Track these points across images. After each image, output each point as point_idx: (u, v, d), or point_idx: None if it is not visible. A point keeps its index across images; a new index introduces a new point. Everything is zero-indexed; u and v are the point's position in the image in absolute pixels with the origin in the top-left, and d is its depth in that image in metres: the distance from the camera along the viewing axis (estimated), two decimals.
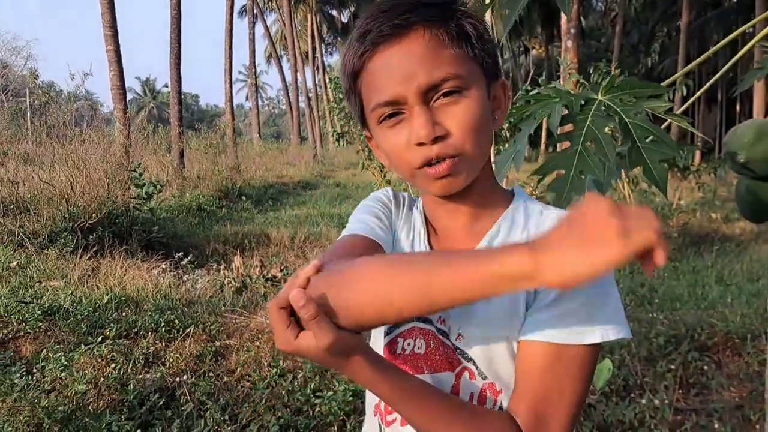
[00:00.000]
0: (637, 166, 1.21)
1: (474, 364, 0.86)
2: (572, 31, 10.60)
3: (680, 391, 3.71)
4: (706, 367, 3.97)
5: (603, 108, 1.23)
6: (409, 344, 0.91)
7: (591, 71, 11.51)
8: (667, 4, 30.74)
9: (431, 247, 0.95)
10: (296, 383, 3.56)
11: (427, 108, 0.80)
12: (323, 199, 13.98)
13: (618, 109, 1.21)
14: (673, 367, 3.91)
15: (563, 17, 12.43)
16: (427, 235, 0.97)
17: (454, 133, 0.81)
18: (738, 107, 30.24)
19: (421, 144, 0.81)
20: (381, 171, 10.68)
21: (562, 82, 10.33)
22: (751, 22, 1.74)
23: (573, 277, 0.59)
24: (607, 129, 1.14)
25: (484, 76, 0.85)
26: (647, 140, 1.19)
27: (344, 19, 45.69)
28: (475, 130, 0.82)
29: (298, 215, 11.19)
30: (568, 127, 1.23)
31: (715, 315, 4.81)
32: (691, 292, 5.94)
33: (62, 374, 3.46)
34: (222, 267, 6.37)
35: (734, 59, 1.83)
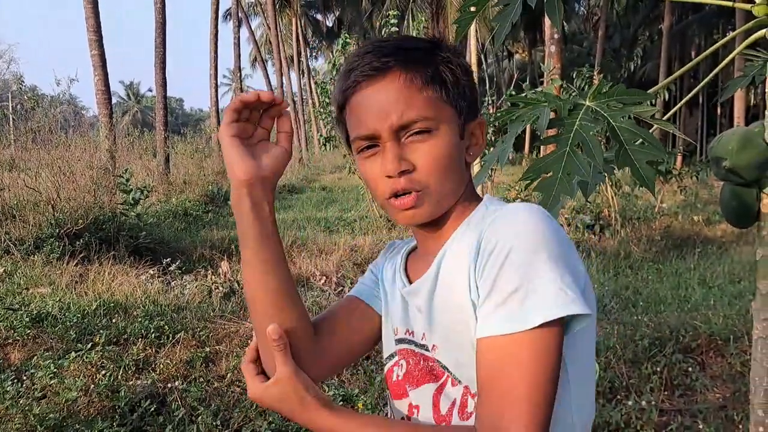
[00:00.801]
0: (625, 166, 1.26)
1: (448, 371, 0.91)
2: (555, 36, 10.70)
3: (665, 393, 3.77)
4: (690, 369, 4.04)
5: (591, 113, 1.29)
6: (396, 370, 1.01)
7: (574, 76, 11.65)
8: (649, 8, 31.10)
9: (407, 275, 1.03)
10: None
11: (398, 144, 0.89)
12: (309, 204, 13.98)
13: (606, 114, 1.27)
14: (658, 369, 3.98)
15: (547, 23, 12.56)
16: (404, 265, 1.06)
17: (419, 169, 0.88)
18: (719, 110, 30.65)
19: (389, 176, 0.89)
20: None
21: (545, 87, 10.43)
22: (732, 34, 1.80)
23: None
24: (592, 132, 1.20)
25: (457, 117, 0.92)
26: (635, 143, 1.25)
27: (329, 23, 45.73)
28: (442, 167, 0.89)
29: (285, 219, 11.17)
30: (553, 131, 1.29)
31: (699, 317, 4.88)
32: (674, 295, 6.02)
33: (52, 381, 3.46)
34: (209, 272, 6.37)
35: (716, 70, 1.88)
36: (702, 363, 4.24)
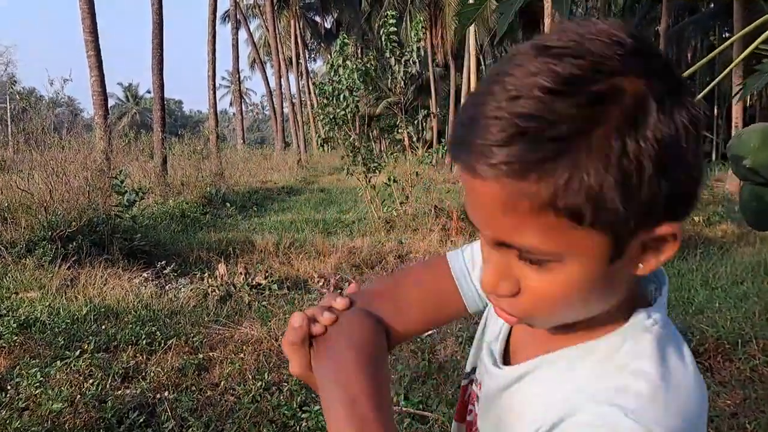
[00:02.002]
0: None
1: None
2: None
3: None
4: None
5: None
6: (470, 388, 0.85)
7: None
8: (645, 9, 31.06)
9: (509, 336, 0.81)
10: (282, 397, 3.46)
11: (503, 253, 0.59)
12: (308, 205, 13.87)
13: None
14: None
15: (546, 23, 12.45)
16: None
17: (524, 297, 0.60)
18: (716, 111, 30.57)
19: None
20: (365, 176, 10.62)
21: None
22: (731, 40, 1.69)
23: None
24: None
25: (604, 241, 0.54)
26: None
27: (327, 25, 45.66)
28: (558, 307, 0.60)
29: (283, 221, 11.07)
30: None
31: (705, 320, 4.77)
32: (677, 297, 5.92)
33: (37, 391, 3.33)
34: (206, 275, 6.25)
35: (720, 76, 1.77)
36: (710, 368, 4.12)
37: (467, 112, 0.55)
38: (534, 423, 0.63)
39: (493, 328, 0.81)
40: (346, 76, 10.67)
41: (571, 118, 0.49)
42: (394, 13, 11.40)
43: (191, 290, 5.65)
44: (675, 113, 0.52)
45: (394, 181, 10.32)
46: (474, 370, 0.84)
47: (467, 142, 0.54)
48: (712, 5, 27.82)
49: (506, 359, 0.77)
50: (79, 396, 3.27)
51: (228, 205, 12.61)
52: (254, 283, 6.04)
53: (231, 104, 68.74)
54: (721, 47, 1.52)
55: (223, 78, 69.63)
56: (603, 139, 0.50)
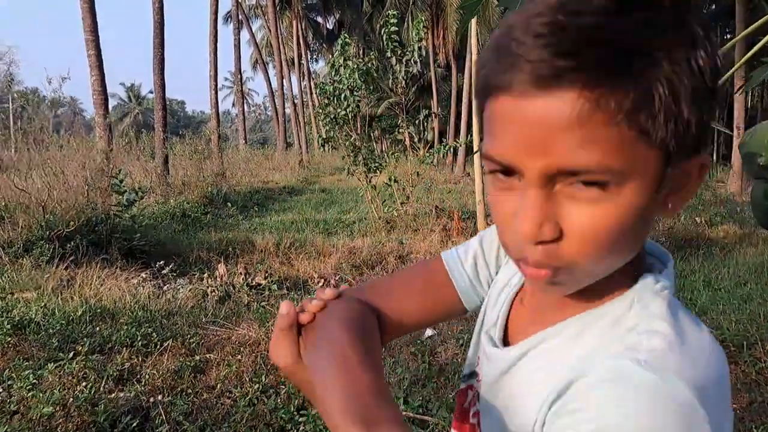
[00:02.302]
0: None
1: None
2: None
3: None
4: None
5: None
6: (470, 394, 0.80)
7: None
8: None
9: (507, 320, 0.76)
10: (279, 400, 3.40)
11: (544, 194, 0.55)
12: (308, 205, 13.82)
13: None
14: None
15: None
16: (516, 294, 0.78)
17: (568, 239, 0.55)
18: (717, 111, 30.47)
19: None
20: (366, 176, 10.56)
21: None
22: (732, 42, 1.63)
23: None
24: None
25: (661, 163, 0.54)
26: None
27: (329, 26, 45.62)
28: (605, 245, 0.55)
29: (284, 221, 11.02)
30: None
31: (708, 322, 4.71)
32: (680, 298, 5.86)
33: (29, 394, 3.27)
34: (206, 275, 6.19)
35: (722, 78, 1.71)
36: None
37: (505, 38, 0.54)
38: (538, 397, 0.60)
39: (491, 314, 0.78)
40: (347, 75, 10.61)
41: (641, 32, 0.50)
42: (395, 12, 11.33)
43: (190, 290, 5.59)
44: (709, 49, 0.53)
45: (395, 181, 10.27)
46: (473, 374, 0.79)
47: (519, 61, 0.51)
48: (714, 6, 27.77)
49: (506, 343, 0.73)
50: (71, 399, 3.21)
51: (229, 205, 12.57)
52: (254, 283, 5.99)
53: (234, 105, 68.73)
54: (722, 49, 1.46)
55: (226, 79, 69.72)
56: (673, 55, 0.51)
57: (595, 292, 0.62)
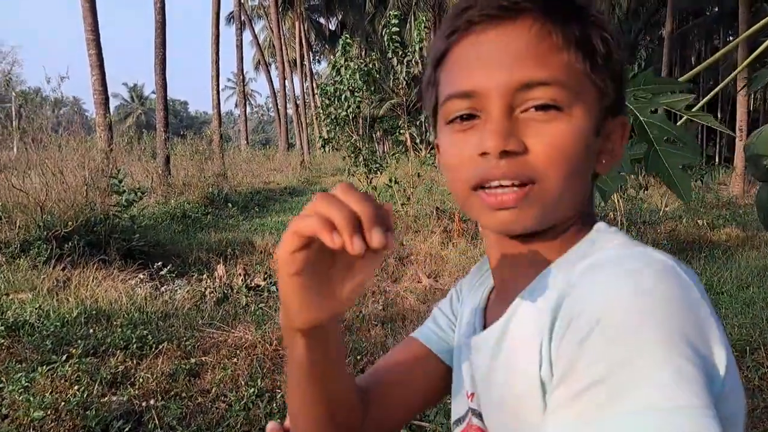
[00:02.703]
0: (655, 171, 1.03)
1: None
2: None
3: None
4: None
5: None
6: None
7: None
8: (650, 13, 30.98)
9: (484, 317, 0.76)
10: (275, 405, 3.35)
11: (508, 116, 0.61)
12: None
13: (632, 107, 1.03)
14: None
15: None
16: (486, 302, 0.78)
17: (534, 152, 0.61)
18: (719, 114, 30.41)
19: (484, 154, 0.61)
20: (367, 177, 10.51)
21: None
22: (735, 42, 1.58)
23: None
24: None
25: (599, 103, 0.64)
26: (666, 142, 1.02)
27: (332, 27, 45.60)
28: (567, 159, 0.61)
29: (284, 222, 10.98)
30: None
31: None
32: None
33: (21, 397, 3.21)
34: (205, 275, 6.14)
35: (725, 82, 1.66)
36: None
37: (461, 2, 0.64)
38: (534, 342, 0.59)
39: (467, 321, 0.78)
40: (348, 76, 10.56)
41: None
42: (397, 13, 11.27)
43: (187, 292, 5.54)
44: (615, 33, 0.66)
45: (396, 182, 10.22)
46: (462, 419, 0.76)
47: (477, 3, 0.62)
48: (717, 9, 27.69)
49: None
50: (63, 403, 3.15)
51: (230, 205, 12.52)
52: (253, 284, 5.94)
53: (236, 105, 68.76)
54: (725, 49, 1.41)
55: (229, 79, 69.73)
56: (596, 22, 0.64)
57: (555, 247, 0.66)
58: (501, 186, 0.61)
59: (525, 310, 0.64)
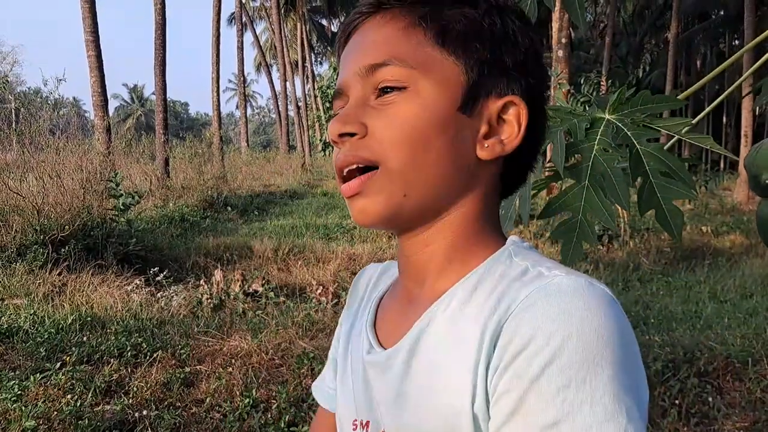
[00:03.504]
0: (649, 208, 0.98)
1: None
2: (563, 40, 10.46)
3: (680, 421, 3.49)
4: (706, 396, 3.76)
5: (612, 131, 1.00)
6: None
7: (582, 82, 11.40)
8: (655, 16, 30.97)
9: (375, 330, 0.71)
10: (270, 415, 3.31)
11: (358, 104, 0.62)
12: (309, 209, 13.73)
13: (629, 133, 0.97)
14: (672, 394, 3.70)
15: (554, 27, 12.30)
16: (374, 313, 0.73)
17: (373, 134, 0.60)
18: (724, 119, 30.36)
19: (335, 144, 0.63)
20: None
21: (552, 93, 10.21)
22: (742, 50, 1.54)
23: None
24: (617, 162, 0.92)
25: (461, 76, 0.61)
26: (661, 174, 0.97)
27: (334, 29, 45.59)
28: (409, 136, 0.59)
29: (284, 226, 10.94)
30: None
31: (714, 336, 4.61)
32: (685, 310, 5.79)
33: (13, 405, 3.18)
34: (202, 281, 6.10)
35: (730, 89, 1.63)
36: (719, 388, 3.95)
37: None
38: (461, 366, 0.56)
39: (354, 337, 0.73)
40: None
41: None
42: None
43: (184, 298, 5.50)
44: (508, 6, 0.65)
45: None
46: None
47: (362, 5, 0.65)
48: (722, 12, 27.66)
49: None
50: (55, 413, 3.12)
51: (229, 209, 12.48)
52: (251, 290, 5.90)
53: (237, 107, 68.78)
54: (730, 60, 1.37)
55: (230, 81, 69.75)
56: (467, 2, 0.63)
57: (464, 262, 0.63)
58: (350, 173, 0.62)
59: (440, 328, 0.60)
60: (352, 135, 0.61)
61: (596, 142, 0.96)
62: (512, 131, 0.63)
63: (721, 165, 27.05)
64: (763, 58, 1.50)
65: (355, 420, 0.68)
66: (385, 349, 0.66)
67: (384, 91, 0.61)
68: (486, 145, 0.63)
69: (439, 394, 0.57)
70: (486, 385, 0.54)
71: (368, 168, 0.61)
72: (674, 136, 1.05)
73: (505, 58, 0.63)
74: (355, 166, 0.61)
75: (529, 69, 0.64)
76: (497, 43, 0.62)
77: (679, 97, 1.35)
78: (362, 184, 0.60)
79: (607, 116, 1.01)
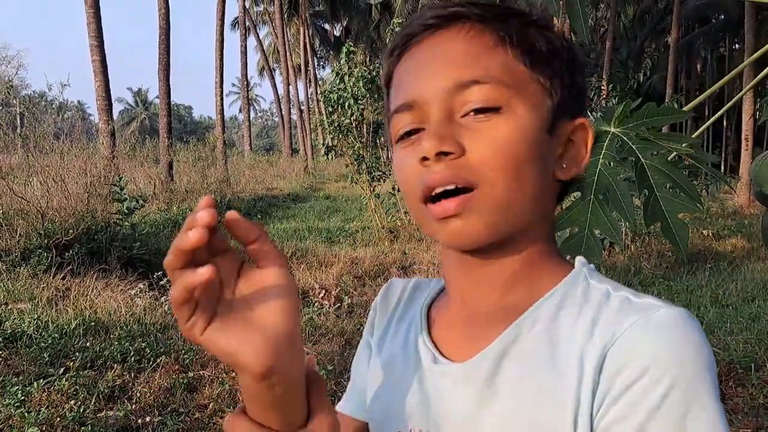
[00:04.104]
0: (653, 220, 0.98)
1: None
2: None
3: None
4: None
5: (617, 145, 1.01)
6: None
7: None
8: (656, 20, 30.94)
9: (432, 339, 0.69)
10: None
11: (447, 120, 0.60)
12: (312, 213, 13.74)
13: (634, 147, 0.98)
14: None
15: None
16: (427, 321, 0.71)
17: (472, 153, 0.59)
18: (725, 123, 30.31)
19: (425, 160, 0.59)
20: (370, 184, 10.48)
21: None
22: (743, 65, 1.55)
23: None
24: (621, 176, 0.93)
25: (546, 99, 0.62)
26: (666, 188, 0.98)
27: (336, 33, 45.71)
28: (508, 158, 0.59)
29: (286, 229, 10.95)
30: None
31: (716, 342, 4.61)
32: None
33: (17, 411, 3.18)
34: None
35: (733, 101, 1.63)
36: (722, 394, 3.94)
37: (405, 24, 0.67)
38: (566, 383, 0.56)
39: (402, 345, 0.71)
40: (351, 84, 10.56)
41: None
42: (402, 21, 11.28)
43: None
44: (565, 38, 0.67)
45: (399, 189, 10.18)
46: None
47: (418, 19, 0.64)
48: (723, 17, 27.63)
49: None
50: (58, 419, 3.12)
51: None
52: None
53: (241, 110, 68.87)
54: (732, 74, 1.38)
55: (233, 84, 69.87)
56: (535, 23, 0.64)
57: (532, 278, 0.64)
58: (445, 193, 0.59)
59: (529, 345, 0.60)
60: (447, 154, 0.58)
61: (601, 156, 0.96)
62: (582, 151, 0.65)
63: (722, 168, 27.01)
64: (763, 74, 1.51)
65: (410, 428, 0.66)
66: (453, 361, 0.65)
67: (478, 110, 0.59)
68: (564, 166, 0.64)
69: (531, 411, 0.57)
70: (591, 410, 0.55)
71: (461, 189, 0.59)
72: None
73: (578, 80, 0.65)
74: (453, 187, 0.59)
75: (585, 91, 0.68)
76: (571, 65, 0.64)
77: (684, 108, 1.36)
78: (461, 206, 0.59)
79: (612, 129, 1.02)
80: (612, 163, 0.96)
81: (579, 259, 0.66)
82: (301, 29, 37.57)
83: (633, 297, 0.58)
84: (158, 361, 3.99)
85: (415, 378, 0.67)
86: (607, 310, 0.58)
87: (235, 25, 40.18)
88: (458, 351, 0.65)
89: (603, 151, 0.97)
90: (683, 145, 0.99)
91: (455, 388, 0.63)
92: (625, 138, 0.99)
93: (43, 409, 3.23)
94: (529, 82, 0.61)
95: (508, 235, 0.62)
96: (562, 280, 0.63)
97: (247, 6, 33.40)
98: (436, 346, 0.68)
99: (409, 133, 0.62)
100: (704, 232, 10.39)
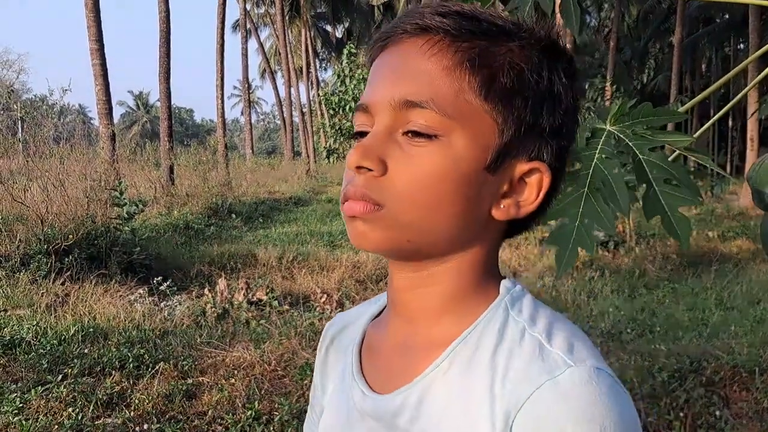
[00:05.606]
0: (653, 214, 0.97)
1: None
2: (568, 46, 10.48)
3: None
4: (713, 407, 3.71)
5: (613, 141, 1.00)
6: None
7: (586, 86, 11.37)
8: (659, 20, 30.89)
9: (362, 372, 0.68)
10: (272, 428, 3.28)
11: (384, 137, 0.59)
12: (314, 216, 13.71)
13: (630, 144, 0.98)
14: (678, 404, 3.66)
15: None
16: (359, 353, 0.71)
17: (390, 177, 0.58)
18: (730, 122, 30.26)
19: (350, 170, 0.61)
20: None
21: None
22: (744, 63, 1.52)
23: None
24: (617, 170, 0.92)
25: (495, 138, 0.59)
26: (665, 183, 0.97)
27: (338, 35, 45.73)
28: (424, 189, 0.57)
29: (288, 233, 10.93)
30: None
31: (720, 345, 4.57)
32: (691, 317, 5.74)
33: (15, 419, 3.16)
34: (206, 289, 6.08)
35: (736, 99, 1.60)
36: (725, 398, 3.90)
37: (404, 14, 0.62)
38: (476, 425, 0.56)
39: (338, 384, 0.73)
40: (352, 86, 10.56)
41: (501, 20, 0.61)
42: None
43: (187, 308, 5.48)
44: (561, 67, 0.62)
45: None
46: None
47: (408, 20, 0.60)
48: (727, 17, 27.59)
49: None
50: (56, 426, 3.10)
51: (233, 216, 12.47)
52: (254, 299, 5.88)
53: (242, 113, 69.00)
54: (736, 70, 1.35)
55: (235, 87, 69.95)
56: (519, 46, 0.60)
57: (460, 311, 0.62)
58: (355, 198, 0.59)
59: (442, 389, 0.60)
60: (369, 170, 0.58)
61: (597, 151, 0.96)
62: (531, 196, 0.62)
63: (728, 170, 26.94)
64: (765, 72, 1.48)
65: None
66: (380, 394, 0.64)
67: (415, 133, 0.58)
68: (502, 206, 0.61)
69: None
70: None
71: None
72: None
73: (543, 121, 0.60)
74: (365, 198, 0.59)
75: (564, 132, 0.62)
76: (539, 103, 0.60)
77: (680, 109, 1.33)
78: (364, 213, 0.58)
79: (608, 128, 1.01)
80: (607, 156, 0.95)
81: (504, 284, 0.64)
82: (303, 31, 37.59)
83: (545, 341, 0.57)
84: (157, 367, 3.96)
85: (347, 414, 0.68)
86: (518, 357, 0.56)
87: (236, 28, 40.22)
88: (387, 384, 0.65)
89: (600, 147, 0.97)
90: (683, 143, 0.97)
91: (380, 427, 0.63)
92: (622, 136, 0.98)
93: (41, 416, 3.21)
94: (480, 114, 0.58)
95: (420, 256, 0.61)
96: (485, 310, 0.62)
97: (248, 8, 33.44)
98: (364, 377, 0.68)
99: (361, 134, 0.62)
100: (709, 233, 10.37)
